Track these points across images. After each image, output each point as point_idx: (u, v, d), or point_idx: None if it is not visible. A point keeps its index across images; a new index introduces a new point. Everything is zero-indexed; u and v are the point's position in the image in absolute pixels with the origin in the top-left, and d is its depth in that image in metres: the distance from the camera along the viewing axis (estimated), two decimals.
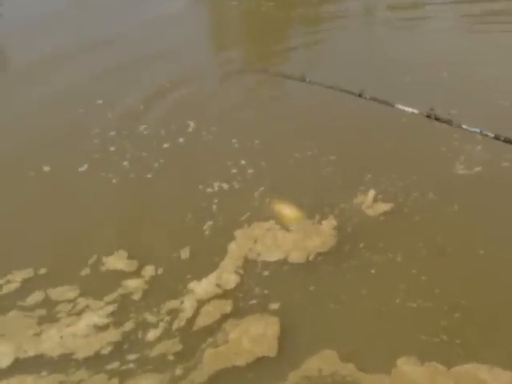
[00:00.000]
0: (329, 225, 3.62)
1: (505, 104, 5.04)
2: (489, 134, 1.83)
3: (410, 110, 1.87)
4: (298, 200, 3.88)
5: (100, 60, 6.25)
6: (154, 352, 2.75)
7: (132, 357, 2.73)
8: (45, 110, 5.19)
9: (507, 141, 1.69)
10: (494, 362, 2.60)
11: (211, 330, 2.85)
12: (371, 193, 3.94)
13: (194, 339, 2.80)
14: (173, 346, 2.78)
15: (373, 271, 3.27)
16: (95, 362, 2.71)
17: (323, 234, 3.54)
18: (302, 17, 8.13)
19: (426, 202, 3.83)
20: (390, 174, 4.10)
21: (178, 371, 2.64)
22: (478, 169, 4.12)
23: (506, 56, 6.13)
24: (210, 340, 2.79)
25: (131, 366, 2.69)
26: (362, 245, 3.46)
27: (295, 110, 5.18)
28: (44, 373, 2.66)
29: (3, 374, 2.67)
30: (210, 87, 5.72)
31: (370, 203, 3.85)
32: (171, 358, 2.71)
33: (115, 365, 2.69)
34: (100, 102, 5.29)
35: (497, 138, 1.70)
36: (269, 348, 2.70)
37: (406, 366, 2.61)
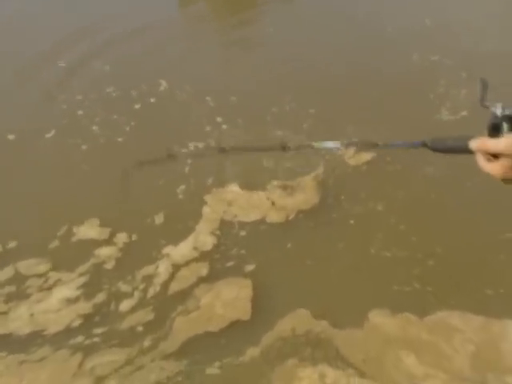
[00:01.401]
0: (311, 179, 3.64)
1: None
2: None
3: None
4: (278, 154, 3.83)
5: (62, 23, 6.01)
6: (124, 324, 2.78)
7: (99, 330, 2.76)
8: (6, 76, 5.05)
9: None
10: (465, 308, 2.69)
11: (184, 296, 2.89)
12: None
13: (166, 306, 2.84)
14: (145, 315, 2.81)
15: (352, 222, 3.34)
16: (60, 337, 2.73)
17: (306, 189, 3.57)
18: None
19: (409, 151, 3.83)
20: (373, 124, 4.07)
21: (147, 343, 2.67)
22: (463, 113, 4.11)
23: None
24: (180, 307, 2.83)
25: (97, 340, 2.71)
26: (343, 197, 3.52)
27: (270, 61, 5.07)
28: (3, 353, 2.67)
29: None
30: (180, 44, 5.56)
31: (353, 153, 3.87)
32: (140, 329, 2.74)
33: (80, 339, 2.72)
34: (63, 64, 5.13)
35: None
36: (242, 312, 2.74)
37: (378, 318, 2.70)
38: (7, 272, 3.13)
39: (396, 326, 2.64)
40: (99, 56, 5.23)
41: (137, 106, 4.57)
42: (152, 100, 4.63)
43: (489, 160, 1.27)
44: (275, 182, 3.66)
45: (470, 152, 1.36)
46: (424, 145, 1.54)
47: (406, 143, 1.60)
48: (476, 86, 1.34)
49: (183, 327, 2.71)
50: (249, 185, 3.65)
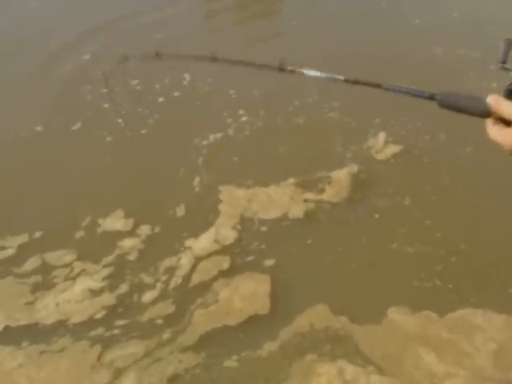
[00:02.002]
0: (344, 174, 3.58)
1: None
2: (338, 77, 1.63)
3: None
4: (302, 149, 3.79)
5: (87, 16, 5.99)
6: (145, 317, 2.75)
7: (120, 322, 2.73)
8: (29, 72, 5.03)
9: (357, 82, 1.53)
10: (488, 306, 2.61)
11: (203, 289, 2.86)
12: (382, 135, 3.89)
13: (186, 299, 2.81)
14: (165, 308, 2.78)
15: (377, 216, 3.26)
16: (82, 328, 2.71)
17: (336, 184, 3.51)
18: None
19: (437, 143, 3.78)
20: (401, 117, 4.00)
21: (166, 335, 2.63)
22: None
23: None
24: (200, 301, 2.79)
25: (117, 332, 2.68)
26: (371, 191, 3.45)
27: (292, 54, 4.95)
28: (26, 343, 2.66)
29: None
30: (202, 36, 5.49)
31: (381, 147, 3.80)
32: (160, 321, 2.71)
33: (100, 331, 2.69)
34: (87, 57, 5.12)
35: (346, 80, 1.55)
36: (260, 306, 2.70)
37: (398, 315, 2.63)
38: (33, 262, 3.13)
39: (416, 323, 2.57)
40: (123, 49, 5.19)
41: (161, 100, 4.55)
42: (176, 93, 4.60)
43: (499, 129, 1.19)
44: (303, 177, 3.58)
45: (481, 115, 1.26)
46: (431, 97, 1.40)
47: (413, 91, 1.47)
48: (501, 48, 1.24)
49: (202, 320, 2.68)
50: (270, 179, 3.58)
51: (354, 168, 3.62)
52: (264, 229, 3.23)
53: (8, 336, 2.71)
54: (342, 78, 1.57)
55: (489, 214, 3.21)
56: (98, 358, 2.55)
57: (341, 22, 5.55)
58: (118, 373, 2.48)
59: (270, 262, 2.98)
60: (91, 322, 2.74)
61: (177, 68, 4.86)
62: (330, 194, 3.43)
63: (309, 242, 3.13)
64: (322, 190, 3.47)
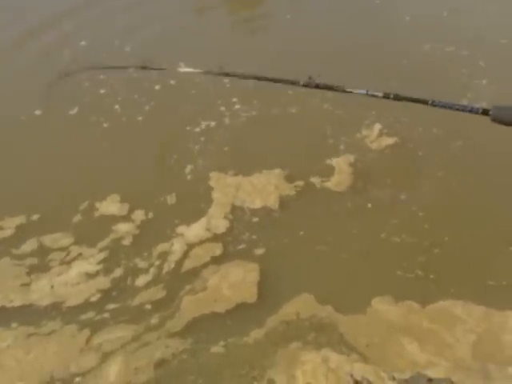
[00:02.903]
0: (343, 163, 3.53)
1: None
2: (376, 93, 1.57)
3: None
4: (297, 138, 3.73)
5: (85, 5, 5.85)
6: (135, 301, 2.69)
7: (110, 306, 2.67)
8: (28, 58, 4.93)
9: (397, 98, 1.46)
10: (468, 297, 2.58)
11: (193, 276, 2.81)
12: (377, 126, 3.82)
13: (176, 285, 2.76)
14: (156, 293, 2.73)
15: (369, 206, 3.21)
16: (72, 312, 2.66)
17: (337, 173, 3.46)
18: None
19: (430, 136, 3.72)
20: (394, 111, 3.91)
21: (154, 320, 2.58)
22: (483, 104, 3.90)
23: None
24: (188, 287, 2.74)
25: (106, 316, 2.63)
26: (368, 183, 3.38)
27: (287, 48, 4.87)
28: (15, 324, 2.60)
29: None
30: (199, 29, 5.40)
31: (375, 137, 3.74)
32: (149, 307, 2.66)
33: (90, 315, 2.64)
34: (84, 43, 5.00)
35: (386, 96, 1.48)
36: (248, 294, 2.66)
37: (382, 305, 2.60)
38: (31, 244, 3.07)
39: (398, 313, 2.54)
40: (120, 37, 5.11)
41: (157, 87, 4.46)
42: (172, 82, 4.50)
43: None
44: (296, 166, 3.51)
45: None
46: (485, 113, 1.33)
47: (464, 107, 1.39)
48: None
49: (190, 307, 2.63)
50: (262, 168, 3.52)
51: (351, 158, 3.56)
52: (255, 219, 3.17)
53: (0, 316, 2.66)
54: (380, 94, 1.49)
55: (477, 207, 3.16)
56: (87, 342, 2.50)
57: (331, 19, 5.43)
58: (106, 356, 2.43)
59: (260, 251, 2.93)
60: (82, 306, 2.69)
61: (173, 56, 4.74)
62: (323, 183, 3.38)
63: (300, 233, 3.07)
64: (316, 179, 3.41)
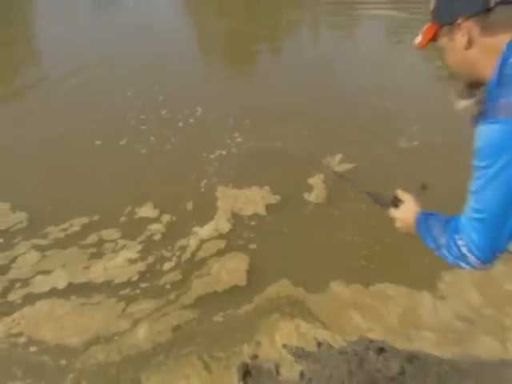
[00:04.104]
0: (320, 181, 3.39)
1: None
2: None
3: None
4: (282, 163, 3.61)
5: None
6: (161, 281, 2.61)
7: (142, 285, 2.59)
8: (92, 104, 4.87)
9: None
10: (397, 281, 2.50)
11: (201, 265, 2.71)
12: (338, 156, 3.71)
13: (189, 271, 2.67)
14: (174, 276, 2.64)
15: (338, 214, 3.09)
16: (113, 288, 2.57)
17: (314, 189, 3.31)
18: None
19: (380, 164, 3.60)
20: (354, 146, 3.78)
21: (172, 296, 2.50)
22: (416, 143, 3.85)
23: None
24: (197, 273, 2.65)
25: (138, 291, 2.54)
26: (338, 196, 3.23)
27: (275, 93, 4.78)
28: (73, 296, 2.52)
29: (55, 294, 2.55)
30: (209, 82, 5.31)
31: (337, 163, 3.64)
32: (169, 286, 2.57)
33: (127, 291, 2.55)
34: (129, 94, 4.89)
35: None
36: (240, 279, 2.57)
37: (338, 287, 2.52)
38: (91, 237, 2.98)
39: (349, 292, 2.47)
40: (155, 89, 5.01)
41: (180, 124, 4.34)
42: (191, 120, 4.40)
43: None
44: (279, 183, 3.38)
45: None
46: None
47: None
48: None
49: (198, 287, 2.55)
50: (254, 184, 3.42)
51: (321, 176, 3.45)
52: (250, 222, 3.07)
53: (65, 291, 2.58)
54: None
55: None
56: (123, 311, 2.42)
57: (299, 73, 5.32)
58: (136, 322, 2.35)
59: (252, 247, 2.84)
60: (122, 284, 2.60)
61: (192, 102, 4.66)
62: (302, 195, 3.25)
63: (284, 231, 2.97)
64: (296, 192, 3.28)
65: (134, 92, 5.01)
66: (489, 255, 0.92)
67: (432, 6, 1.00)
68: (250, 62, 6.34)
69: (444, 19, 0.97)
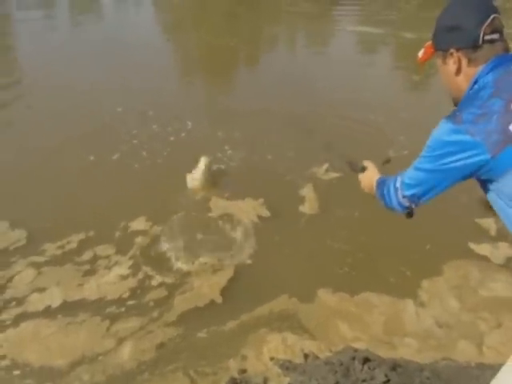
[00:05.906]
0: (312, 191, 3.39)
1: None
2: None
3: None
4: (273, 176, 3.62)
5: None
6: (145, 299, 2.53)
7: (130, 302, 2.50)
8: (82, 117, 4.77)
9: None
10: (381, 290, 2.50)
11: (185, 278, 2.63)
12: (324, 166, 3.72)
13: (172, 287, 2.59)
14: (159, 293, 2.55)
15: (332, 221, 3.07)
16: (97, 306, 2.48)
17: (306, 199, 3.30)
18: None
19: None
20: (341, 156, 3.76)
21: (155, 314, 2.42)
22: (405, 152, 3.84)
23: None
24: (180, 289, 2.57)
25: (122, 310, 2.46)
26: (328, 204, 3.23)
27: (269, 106, 4.79)
28: (60, 315, 2.43)
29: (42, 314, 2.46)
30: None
31: (323, 172, 3.65)
32: (152, 304, 2.49)
33: (111, 309, 2.47)
34: (120, 109, 4.84)
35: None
36: (215, 294, 2.50)
37: (324, 295, 2.50)
38: (87, 254, 2.91)
39: (335, 301, 2.46)
40: (146, 106, 4.96)
41: (172, 138, 4.32)
42: (182, 134, 4.38)
43: None
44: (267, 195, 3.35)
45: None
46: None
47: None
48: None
49: (181, 304, 2.47)
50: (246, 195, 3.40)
51: (310, 186, 3.45)
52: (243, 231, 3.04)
53: (53, 310, 2.49)
54: None
55: (390, 233, 2.91)
56: (107, 330, 2.35)
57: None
58: (120, 341, 2.28)
59: (248, 262, 2.77)
60: (112, 301, 2.52)
61: (182, 117, 4.63)
62: (292, 205, 3.22)
63: (275, 238, 2.95)
64: (286, 202, 3.26)
65: (125, 108, 4.94)
66: (413, 197, 1.15)
67: (434, 29, 1.13)
68: (231, 76, 6.36)
69: (439, 46, 1.12)
